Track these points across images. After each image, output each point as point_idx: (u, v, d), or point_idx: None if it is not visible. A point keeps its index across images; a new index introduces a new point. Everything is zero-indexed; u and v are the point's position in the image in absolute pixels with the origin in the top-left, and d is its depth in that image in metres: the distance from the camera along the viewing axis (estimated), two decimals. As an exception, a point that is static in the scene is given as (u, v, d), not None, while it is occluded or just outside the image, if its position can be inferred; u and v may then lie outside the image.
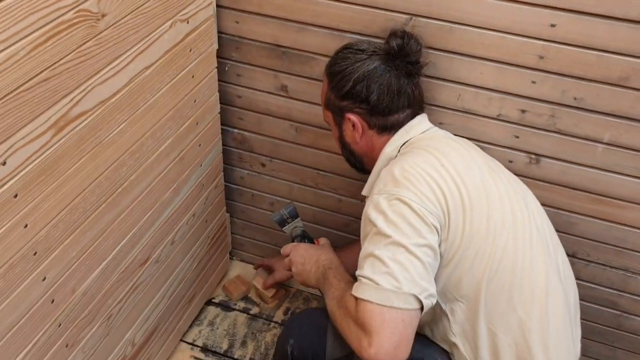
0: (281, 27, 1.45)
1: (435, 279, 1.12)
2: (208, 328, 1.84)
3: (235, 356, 1.77)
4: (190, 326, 1.82)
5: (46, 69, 0.94)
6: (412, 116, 1.27)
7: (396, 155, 1.23)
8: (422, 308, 1.06)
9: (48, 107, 0.97)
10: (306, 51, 1.47)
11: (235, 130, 1.69)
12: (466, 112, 1.43)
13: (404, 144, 1.24)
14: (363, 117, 1.25)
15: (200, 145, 1.53)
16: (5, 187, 0.94)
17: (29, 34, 0.89)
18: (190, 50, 1.35)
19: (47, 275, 1.10)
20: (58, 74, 0.97)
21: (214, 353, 1.77)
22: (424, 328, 1.26)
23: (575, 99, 1.33)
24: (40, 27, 0.91)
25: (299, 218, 1.48)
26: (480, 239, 1.13)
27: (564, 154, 1.42)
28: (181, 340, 1.79)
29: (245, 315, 1.88)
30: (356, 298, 1.06)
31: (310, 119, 1.58)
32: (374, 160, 1.28)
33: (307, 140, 1.63)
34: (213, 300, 1.91)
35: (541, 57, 1.30)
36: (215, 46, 1.47)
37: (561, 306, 1.21)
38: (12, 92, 0.89)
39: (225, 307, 1.90)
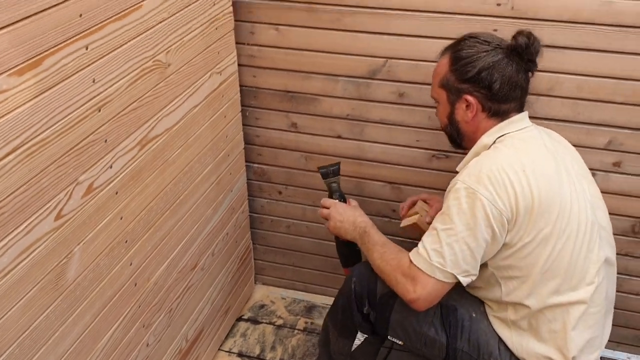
0: (289, 76, 1.88)
1: (495, 257, 1.39)
2: (241, 339, 2.15)
3: (267, 358, 2.07)
4: (226, 338, 2.14)
5: (136, 100, 1.34)
6: (519, 109, 1.45)
7: (490, 146, 1.42)
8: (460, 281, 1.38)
9: (136, 128, 1.37)
10: (310, 94, 1.89)
11: (256, 165, 2.08)
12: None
13: (501, 136, 1.42)
14: (480, 100, 1.41)
15: (231, 173, 1.92)
16: (111, 185, 1.31)
17: (128, 74, 1.29)
18: (223, 96, 1.77)
19: (132, 261, 1.45)
20: (142, 105, 1.37)
21: (249, 357, 2.08)
22: (478, 290, 1.52)
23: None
24: (133, 70, 1.31)
25: (339, 176, 1.73)
26: (543, 238, 1.35)
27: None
28: (219, 349, 2.10)
29: (272, 326, 2.20)
30: (411, 260, 1.40)
31: (316, 148, 1.98)
32: (473, 141, 1.47)
33: (314, 166, 2.02)
34: (243, 317, 2.23)
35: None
36: (239, 96, 1.89)
37: (602, 298, 1.44)
38: (118, 114, 1.28)
39: (254, 321, 2.22)
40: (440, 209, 1.42)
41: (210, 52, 1.65)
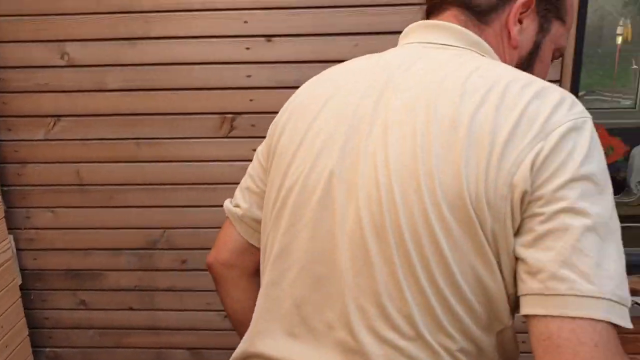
0: (71, 255, 1.87)
1: None
2: None
3: None
4: None
5: None
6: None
7: None
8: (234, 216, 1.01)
9: None
10: (94, 269, 1.88)
11: (48, 349, 1.99)
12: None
13: None
14: None
15: (13, 365, 1.81)
16: None
17: None
18: (-6, 286, 1.71)
19: None
20: None
21: None
22: None
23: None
24: None
25: None
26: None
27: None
28: None
29: None
30: None
31: (109, 323, 1.94)
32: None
33: (111, 342, 1.97)
34: None
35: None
36: (19, 281, 1.84)
37: None
38: None
39: None
40: None
41: (-28, 245, 1.62)
